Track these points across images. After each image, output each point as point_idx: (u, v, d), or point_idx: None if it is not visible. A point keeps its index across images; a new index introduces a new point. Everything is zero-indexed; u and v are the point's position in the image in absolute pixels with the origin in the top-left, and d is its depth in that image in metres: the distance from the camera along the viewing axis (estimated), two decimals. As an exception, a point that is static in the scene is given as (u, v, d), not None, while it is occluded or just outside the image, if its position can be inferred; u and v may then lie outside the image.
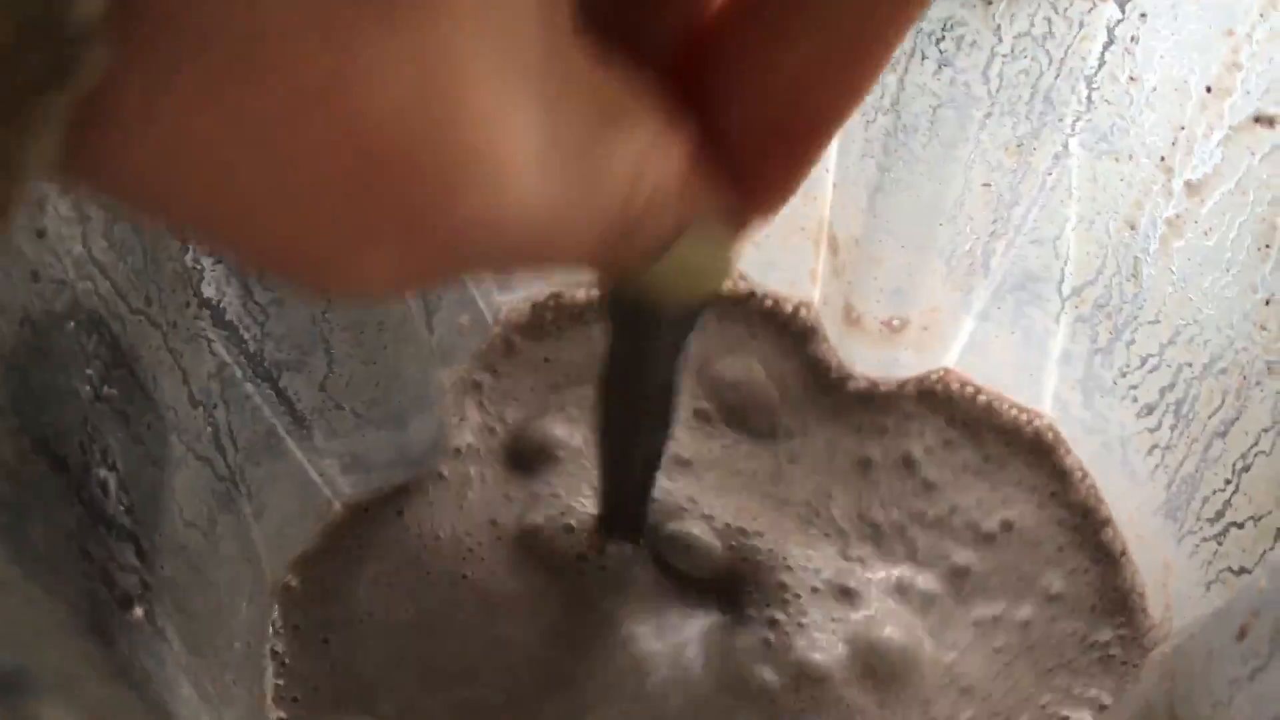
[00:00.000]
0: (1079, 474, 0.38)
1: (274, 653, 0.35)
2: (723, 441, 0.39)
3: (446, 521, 0.38)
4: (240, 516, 0.33)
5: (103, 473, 0.25)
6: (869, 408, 0.40)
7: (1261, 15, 0.28)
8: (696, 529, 0.36)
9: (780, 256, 0.41)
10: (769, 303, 0.41)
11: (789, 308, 0.41)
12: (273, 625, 0.35)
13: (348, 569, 0.37)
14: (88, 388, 0.25)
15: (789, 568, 0.37)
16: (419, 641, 0.36)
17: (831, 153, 0.37)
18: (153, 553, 0.27)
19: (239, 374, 0.32)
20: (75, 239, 0.25)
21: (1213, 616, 0.24)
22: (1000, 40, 0.31)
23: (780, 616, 0.35)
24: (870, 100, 0.34)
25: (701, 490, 0.38)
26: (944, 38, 0.31)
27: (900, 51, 0.32)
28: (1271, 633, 0.21)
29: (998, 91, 0.32)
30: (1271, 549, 0.29)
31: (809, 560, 0.37)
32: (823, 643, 0.35)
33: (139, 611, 0.25)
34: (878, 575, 0.37)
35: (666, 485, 0.37)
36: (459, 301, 0.39)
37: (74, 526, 0.24)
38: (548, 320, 0.41)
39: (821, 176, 0.38)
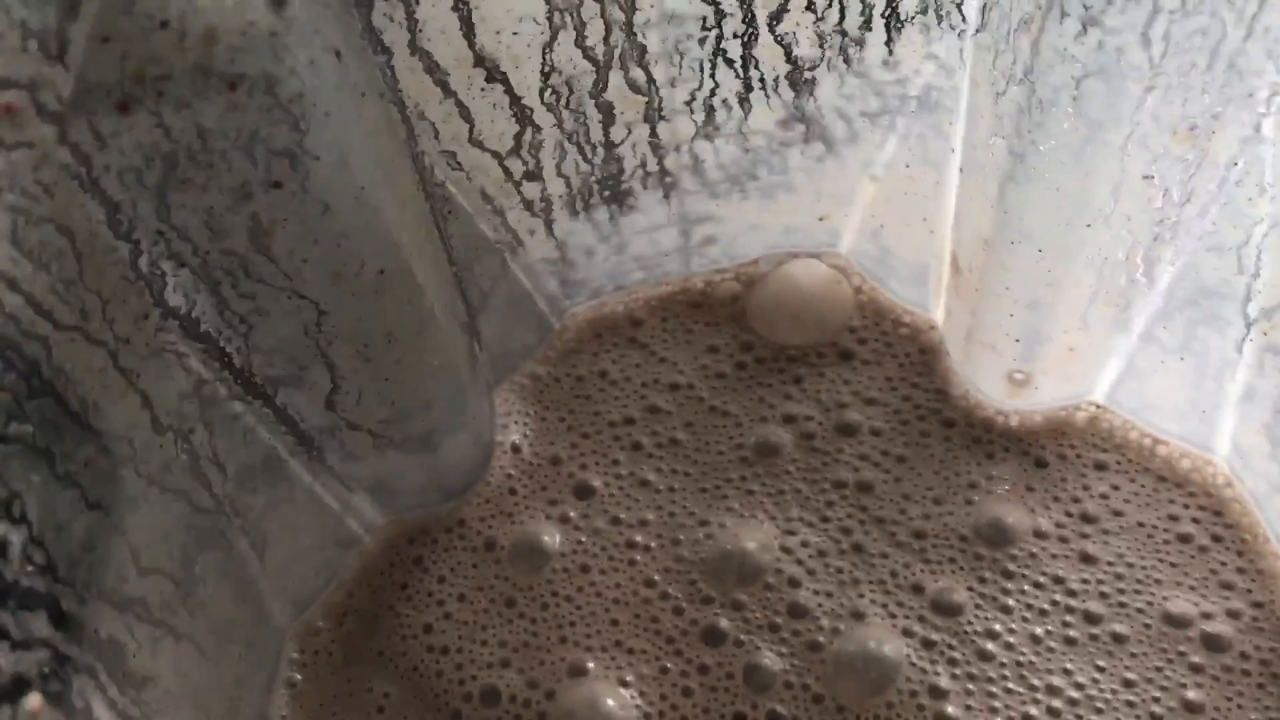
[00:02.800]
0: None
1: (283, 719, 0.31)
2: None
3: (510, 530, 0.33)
4: (232, 552, 0.28)
5: (1, 529, 0.21)
6: (999, 443, 0.33)
7: None
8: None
9: (898, 254, 0.34)
10: (885, 312, 0.35)
11: (907, 319, 0.35)
12: (287, 685, 0.31)
13: (403, 604, 0.32)
14: (-21, 428, 0.21)
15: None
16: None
17: (956, 130, 0.30)
18: (81, 616, 0.23)
19: (223, 392, 0.27)
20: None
21: None
22: (1168, -10, 0.23)
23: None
24: (1000, 65, 0.27)
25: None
26: (1092, -12, 0.24)
27: (1034, 5, 0.25)
28: None
29: (1163, 58, 0.24)
30: None
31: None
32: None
33: (33, 699, 0.21)
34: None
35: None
36: (511, 302, 0.34)
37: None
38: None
39: (943, 158, 0.31)
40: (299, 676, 0.31)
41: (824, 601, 0.32)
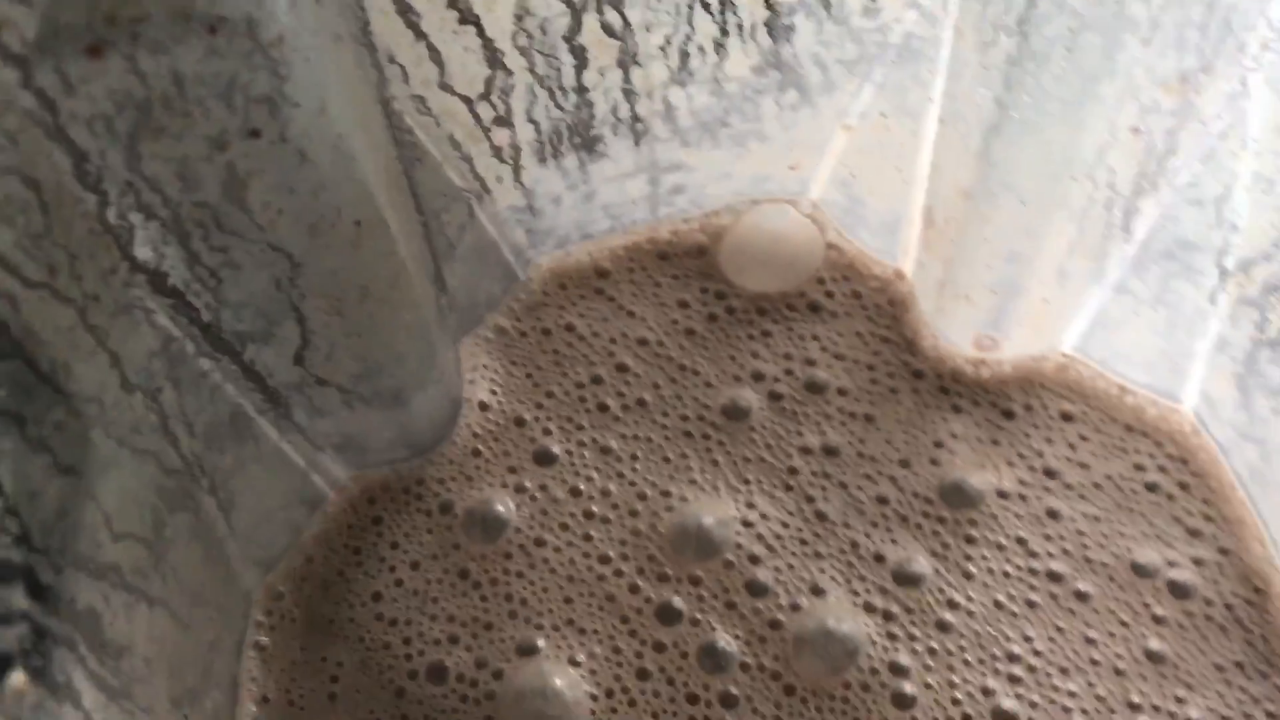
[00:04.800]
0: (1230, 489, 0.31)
1: (253, 684, 0.30)
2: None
3: (468, 495, 0.32)
4: (200, 513, 0.27)
5: (-28, 501, 0.20)
6: (967, 394, 0.33)
7: None
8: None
9: (869, 204, 0.34)
10: (854, 263, 0.35)
11: (876, 270, 0.35)
12: (255, 648, 0.30)
13: (353, 569, 0.32)
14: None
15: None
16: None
17: (936, 79, 0.30)
18: (59, 587, 0.22)
19: (190, 349, 0.26)
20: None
21: None
22: (1170, -57, 0.23)
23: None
24: (990, 15, 0.27)
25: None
26: (1093, -62, 0.23)
27: (1033, -44, 0.24)
28: None
29: (1160, 11, 0.24)
30: None
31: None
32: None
33: (17, 678, 0.20)
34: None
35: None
36: (477, 252, 0.33)
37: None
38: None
39: (922, 107, 0.31)
40: (266, 640, 0.31)
41: (784, 576, 0.31)
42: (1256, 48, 0.25)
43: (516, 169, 0.32)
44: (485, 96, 0.30)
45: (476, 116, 0.30)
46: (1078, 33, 0.25)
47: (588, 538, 0.32)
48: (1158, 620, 0.30)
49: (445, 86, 0.29)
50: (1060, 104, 0.26)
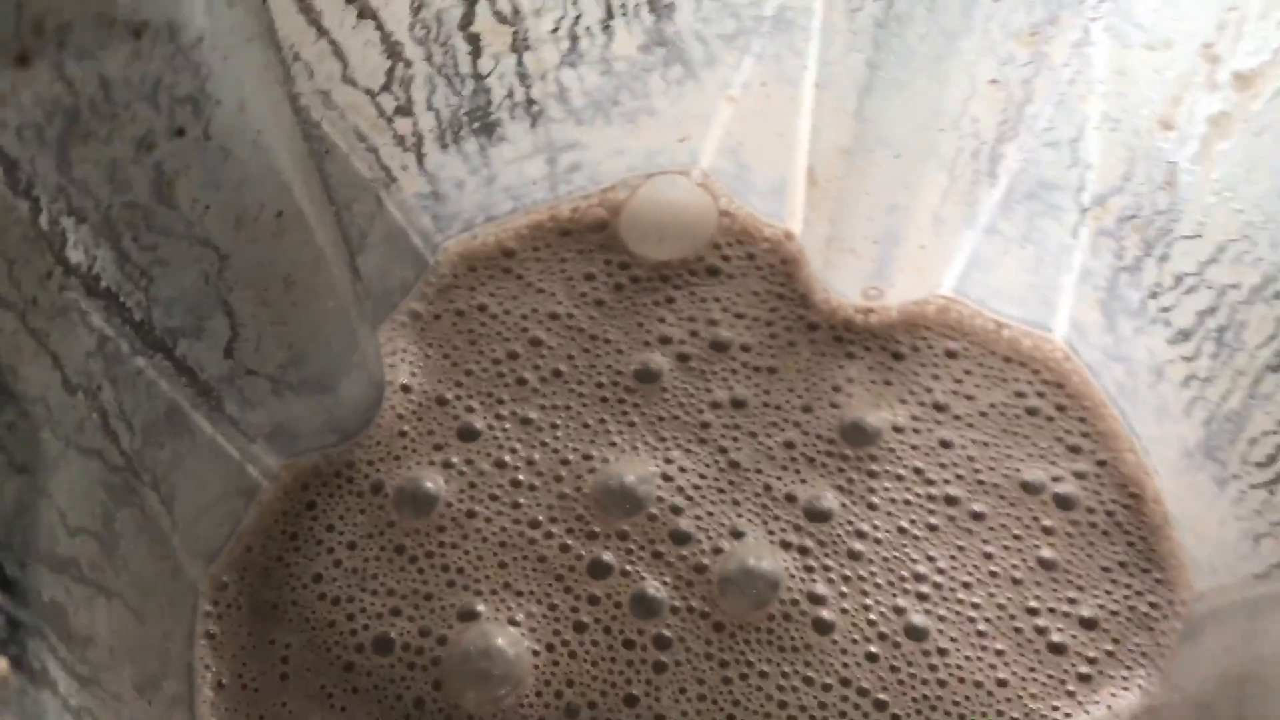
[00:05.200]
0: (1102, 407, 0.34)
1: (208, 671, 0.31)
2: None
3: (397, 474, 0.33)
4: (144, 508, 0.28)
5: (-57, 498, 0.21)
6: (858, 341, 0.36)
7: None
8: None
9: (756, 170, 0.36)
10: (746, 226, 0.37)
11: (767, 231, 0.37)
12: (206, 637, 0.31)
13: (292, 554, 0.33)
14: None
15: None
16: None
17: (810, 47, 0.32)
18: (24, 581, 0.23)
19: (125, 347, 0.27)
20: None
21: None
22: (1014, -92, 0.25)
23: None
24: (856, -15, 0.29)
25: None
26: (945, -93, 0.26)
27: (893, -73, 0.27)
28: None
29: (1011, -29, 0.27)
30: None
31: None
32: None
33: (2, 664, 0.21)
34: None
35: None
36: (387, 240, 0.34)
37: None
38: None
39: (798, 75, 0.33)
40: (215, 628, 0.31)
41: (705, 524, 0.33)
42: (1096, 0, 0.28)
43: (420, 157, 0.34)
44: (387, 88, 0.31)
45: (379, 108, 0.32)
46: (937, -5, 0.27)
47: (516, 505, 0.33)
48: (1047, 531, 0.33)
49: (348, 80, 0.30)
50: (925, 61, 0.29)
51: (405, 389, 0.35)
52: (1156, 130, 0.28)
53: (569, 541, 0.33)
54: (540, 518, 0.33)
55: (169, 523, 0.29)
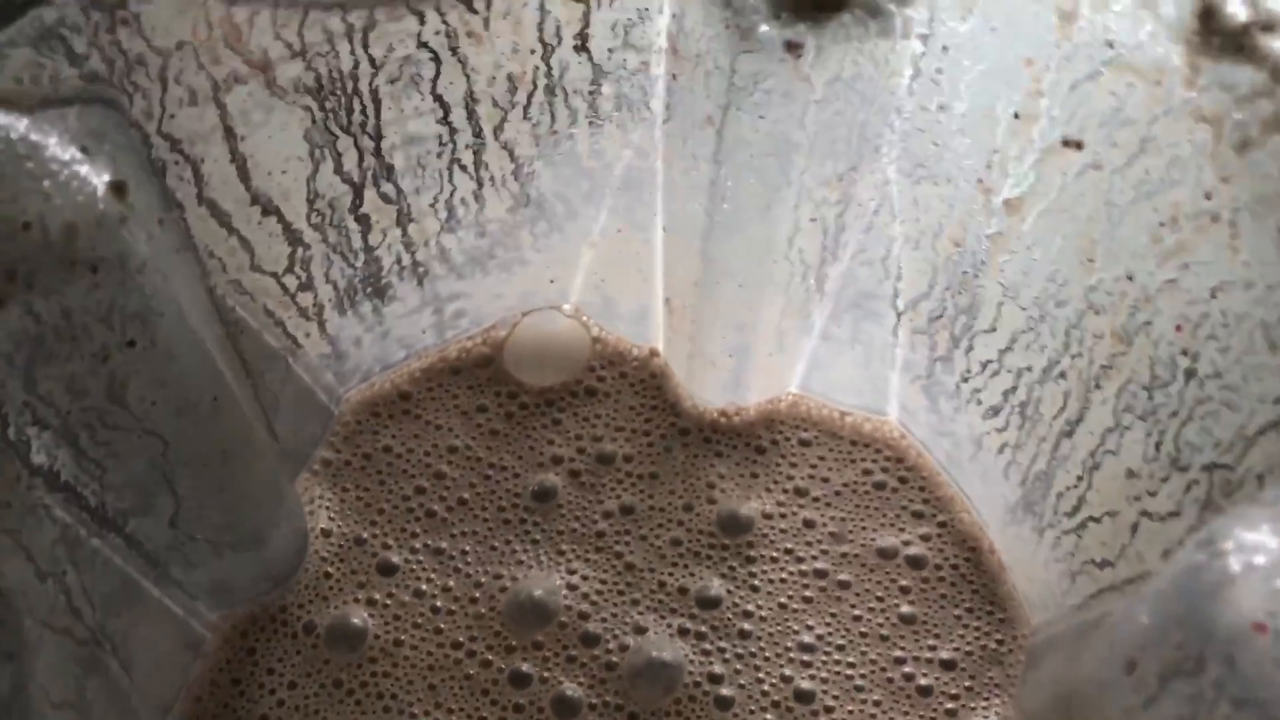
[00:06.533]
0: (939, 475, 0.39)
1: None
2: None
3: (327, 614, 0.37)
4: (109, 675, 0.31)
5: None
6: (725, 440, 0.40)
7: (1057, 44, 0.29)
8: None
9: (620, 302, 0.41)
10: (616, 350, 0.41)
11: (635, 352, 0.41)
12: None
13: (238, 699, 0.35)
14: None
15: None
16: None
17: (656, 199, 0.37)
18: (26, 756, 0.26)
19: (83, 533, 0.30)
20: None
21: (1100, 649, 0.25)
22: (812, 88, 0.31)
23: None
24: (691, 150, 0.34)
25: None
26: (754, 92, 0.31)
27: (716, 108, 0.32)
28: (1159, 669, 0.22)
29: (815, 135, 0.32)
30: (1130, 544, 0.30)
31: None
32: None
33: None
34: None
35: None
36: (297, 400, 0.38)
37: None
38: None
39: (649, 221, 0.38)
40: (177, 779, 0.34)
41: (610, 624, 0.37)
42: (886, 147, 0.33)
43: (321, 323, 0.37)
44: (290, 269, 0.35)
45: (284, 287, 0.35)
46: (757, 157, 0.32)
47: (438, 630, 0.37)
48: (904, 590, 0.38)
49: (256, 268, 0.34)
50: (754, 209, 0.34)
51: (325, 533, 0.38)
52: (950, 247, 0.34)
53: (489, 657, 0.36)
54: (461, 639, 0.37)
55: (129, 684, 0.32)
